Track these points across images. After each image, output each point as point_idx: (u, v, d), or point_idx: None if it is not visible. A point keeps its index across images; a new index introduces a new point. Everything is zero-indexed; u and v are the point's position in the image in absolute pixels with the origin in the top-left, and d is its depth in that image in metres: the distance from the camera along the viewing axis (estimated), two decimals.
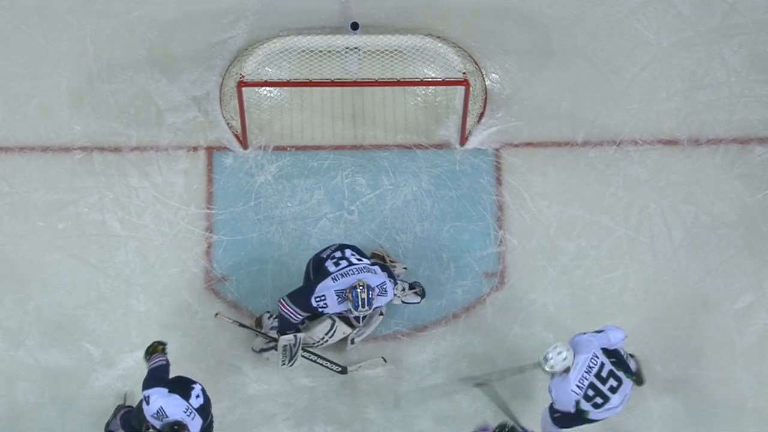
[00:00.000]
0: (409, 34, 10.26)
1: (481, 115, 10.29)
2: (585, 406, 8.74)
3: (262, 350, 9.47)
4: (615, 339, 8.85)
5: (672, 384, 9.61)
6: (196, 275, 9.86)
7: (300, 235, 9.95)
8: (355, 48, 10.20)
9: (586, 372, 8.71)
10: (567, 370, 8.70)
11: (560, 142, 10.21)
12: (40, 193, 10.01)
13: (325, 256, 9.29)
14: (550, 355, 8.69)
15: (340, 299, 9.10)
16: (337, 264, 9.19)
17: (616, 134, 10.23)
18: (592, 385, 8.72)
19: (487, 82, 10.39)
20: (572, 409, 8.73)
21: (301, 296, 9.15)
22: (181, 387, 8.52)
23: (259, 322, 9.54)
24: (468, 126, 10.09)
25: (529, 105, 10.33)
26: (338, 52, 10.21)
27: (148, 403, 8.42)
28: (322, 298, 9.09)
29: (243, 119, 9.90)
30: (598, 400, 8.75)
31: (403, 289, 9.50)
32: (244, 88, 9.66)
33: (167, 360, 8.73)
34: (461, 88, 9.78)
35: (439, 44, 10.28)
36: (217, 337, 9.68)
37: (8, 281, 9.78)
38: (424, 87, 10.30)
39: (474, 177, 10.08)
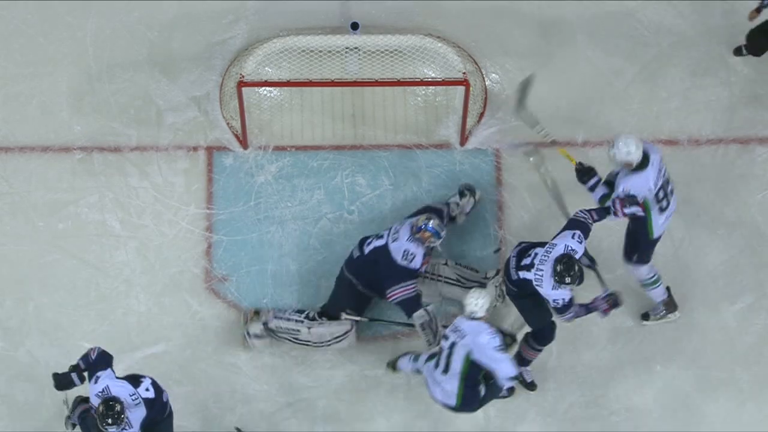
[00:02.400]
0: (409, 34, 10.26)
1: (481, 115, 10.30)
2: (654, 213, 8.98)
3: (256, 336, 9.50)
4: None
5: (672, 384, 9.61)
6: (196, 275, 9.86)
7: (300, 235, 9.95)
8: (355, 48, 10.20)
9: (659, 173, 8.94)
10: (629, 165, 8.86)
11: (560, 142, 10.20)
12: (40, 193, 10.01)
13: (360, 251, 9.39)
14: (618, 143, 8.83)
15: (416, 243, 9.23)
16: (379, 236, 9.35)
17: (617, 134, 10.20)
18: (663, 187, 8.99)
19: (487, 82, 10.39)
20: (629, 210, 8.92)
21: (394, 276, 9.23)
22: (131, 378, 8.54)
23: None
24: (468, 126, 10.09)
25: (529, 105, 10.31)
26: (338, 52, 10.21)
27: (96, 382, 8.45)
28: (407, 252, 9.22)
29: (243, 119, 9.91)
30: (664, 203, 9.03)
31: (457, 204, 9.62)
32: (244, 88, 9.67)
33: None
34: (461, 88, 9.77)
35: (439, 44, 10.28)
36: (217, 337, 9.68)
37: (8, 281, 9.78)
38: (424, 87, 10.30)
39: (474, 177, 10.08)
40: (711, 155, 10.17)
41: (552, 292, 8.87)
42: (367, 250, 9.39)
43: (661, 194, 9.04)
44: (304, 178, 10.11)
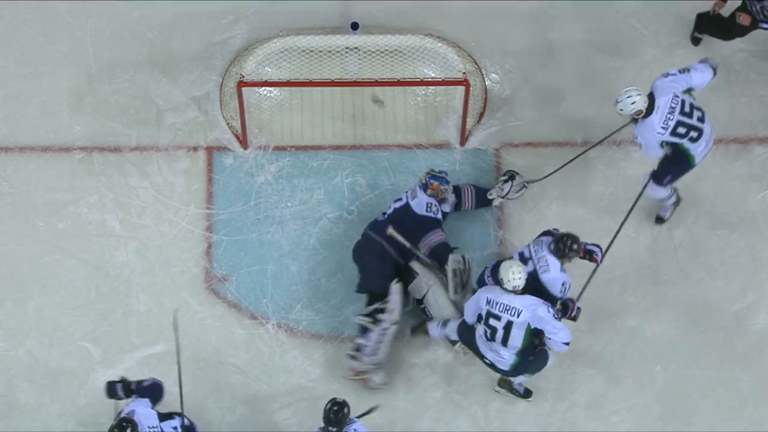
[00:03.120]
0: (409, 34, 10.26)
1: (481, 115, 10.29)
2: (686, 144, 9.24)
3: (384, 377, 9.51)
4: (698, 81, 9.28)
5: (672, 384, 9.61)
6: (196, 275, 9.85)
7: (300, 235, 9.95)
8: (355, 48, 10.20)
9: (669, 113, 9.13)
10: (640, 113, 9.10)
11: (560, 142, 10.21)
12: (40, 193, 10.01)
13: (383, 215, 9.56)
14: (620, 98, 9.13)
15: (434, 198, 9.51)
16: (398, 200, 9.58)
17: (616, 134, 10.21)
18: (680, 123, 9.17)
19: (487, 82, 10.39)
20: (659, 150, 9.25)
21: (423, 227, 9.43)
22: (166, 413, 8.56)
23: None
24: (468, 126, 10.09)
25: (529, 105, 10.33)
26: (338, 52, 10.21)
27: (129, 405, 8.54)
28: (430, 204, 9.49)
29: (243, 119, 9.91)
30: (693, 133, 9.22)
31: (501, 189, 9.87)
32: (244, 88, 9.67)
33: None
34: (461, 88, 9.78)
35: (439, 44, 10.28)
36: (217, 337, 9.68)
37: (8, 281, 9.78)
38: (424, 87, 10.30)
39: (474, 177, 10.08)
40: (711, 155, 10.14)
41: (561, 275, 8.98)
42: (388, 213, 9.55)
43: (682, 130, 9.20)
44: (304, 178, 10.11)
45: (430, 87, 10.31)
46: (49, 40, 10.45)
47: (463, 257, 9.38)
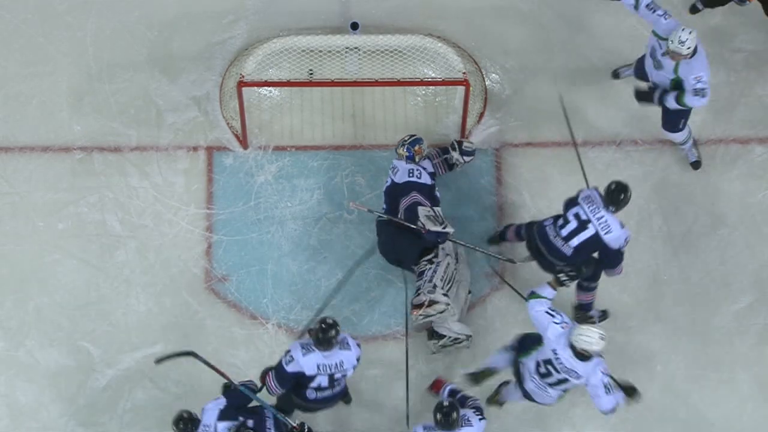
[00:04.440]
0: (409, 34, 10.27)
1: (481, 115, 10.30)
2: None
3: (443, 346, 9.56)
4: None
5: (672, 384, 9.61)
6: (196, 275, 9.86)
7: (300, 235, 9.96)
8: (355, 48, 10.21)
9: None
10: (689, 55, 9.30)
11: (560, 142, 10.20)
12: (40, 193, 10.02)
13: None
14: (684, 37, 9.22)
15: (416, 162, 9.53)
16: (386, 183, 9.60)
17: (616, 134, 10.23)
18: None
19: (487, 82, 10.39)
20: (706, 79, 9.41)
21: (405, 192, 9.43)
22: (237, 412, 8.72)
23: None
24: (468, 126, 10.10)
25: (529, 105, 10.34)
26: (338, 52, 10.22)
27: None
28: (412, 171, 9.50)
29: (243, 119, 9.91)
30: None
31: (454, 150, 9.82)
32: (244, 88, 9.67)
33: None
34: (461, 88, 9.79)
35: (439, 44, 10.28)
36: (217, 337, 9.69)
37: (8, 281, 9.78)
38: (424, 87, 10.30)
39: (474, 177, 10.09)
40: (711, 155, 10.18)
41: (622, 232, 9.00)
42: (384, 196, 9.62)
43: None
44: (304, 178, 10.11)
45: (430, 87, 10.31)
46: (49, 40, 10.45)
47: (432, 209, 9.39)
